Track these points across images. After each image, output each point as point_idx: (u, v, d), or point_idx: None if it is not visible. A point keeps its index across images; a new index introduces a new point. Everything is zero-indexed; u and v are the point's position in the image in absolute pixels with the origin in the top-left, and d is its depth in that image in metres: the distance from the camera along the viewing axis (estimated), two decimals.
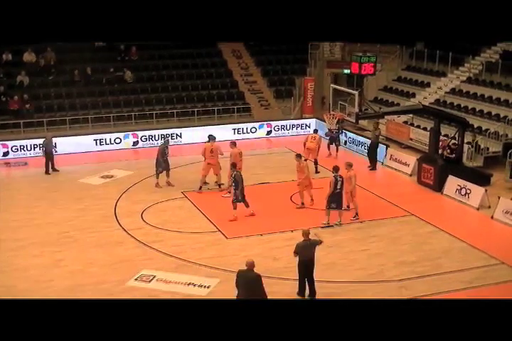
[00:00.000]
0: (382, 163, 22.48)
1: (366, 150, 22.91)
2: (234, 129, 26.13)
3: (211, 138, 19.49)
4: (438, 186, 19.38)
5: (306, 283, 12.67)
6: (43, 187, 20.11)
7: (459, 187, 18.68)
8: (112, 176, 21.20)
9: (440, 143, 20.35)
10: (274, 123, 27.02)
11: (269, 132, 26.89)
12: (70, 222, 17.01)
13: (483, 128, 22.62)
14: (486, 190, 18.13)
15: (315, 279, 12.68)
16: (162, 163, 19.67)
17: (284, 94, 30.07)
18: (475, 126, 22.67)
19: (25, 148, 23.32)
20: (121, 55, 29.10)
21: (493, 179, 20.08)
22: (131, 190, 19.71)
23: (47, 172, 21.42)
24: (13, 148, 23.31)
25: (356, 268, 14.26)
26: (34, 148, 23.22)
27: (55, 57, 27.69)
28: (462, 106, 24.69)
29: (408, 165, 21.46)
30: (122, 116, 26.52)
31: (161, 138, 24.28)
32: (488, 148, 21.89)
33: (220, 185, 19.42)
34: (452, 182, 18.99)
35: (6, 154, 23.21)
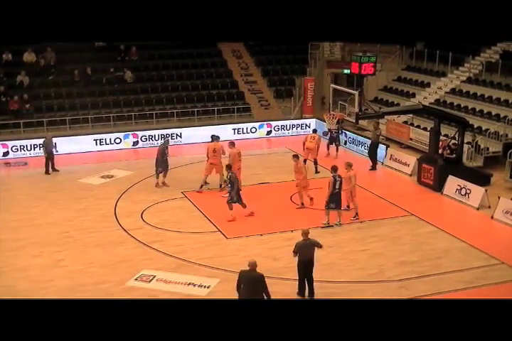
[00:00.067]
0: (382, 163, 22.48)
1: (366, 150, 22.92)
2: (234, 129, 26.14)
3: (214, 137, 19.49)
4: (438, 186, 19.38)
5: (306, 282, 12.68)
6: (43, 187, 20.12)
7: (459, 187, 18.68)
8: (111, 176, 21.20)
9: (440, 143, 20.35)
10: (274, 123, 27.03)
11: (269, 132, 26.90)
12: (70, 222, 17.02)
13: (483, 128, 22.62)
14: (486, 190, 18.14)
15: (314, 279, 12.69)
16: (162, 163, 19.68)
17: (284, 94, 30.06)
18: (475, 126, 22.66)
19: (25, 148, 23.34)
20: (121, 55, 29.09)
21: (493, 179, 20.09)
22: (131, 190, 19.71)
23: (47, 172, 21.43)
24: (13, 148, 23.32)
25: (356, 268, 14.26)
26: (34, 148, 23.24)
27: (55, 57, 27.69)
28: (462, 106, 24.69)
29: (408, 165, 21.46)
30: (122, 116, 26.51)
31: (161, 138, 24.29)
32: (488, 148, 21.90)
33: (221, 185, 19.42)
34: (452, 182, 18.99)
35: (6, 154, 23.22)
